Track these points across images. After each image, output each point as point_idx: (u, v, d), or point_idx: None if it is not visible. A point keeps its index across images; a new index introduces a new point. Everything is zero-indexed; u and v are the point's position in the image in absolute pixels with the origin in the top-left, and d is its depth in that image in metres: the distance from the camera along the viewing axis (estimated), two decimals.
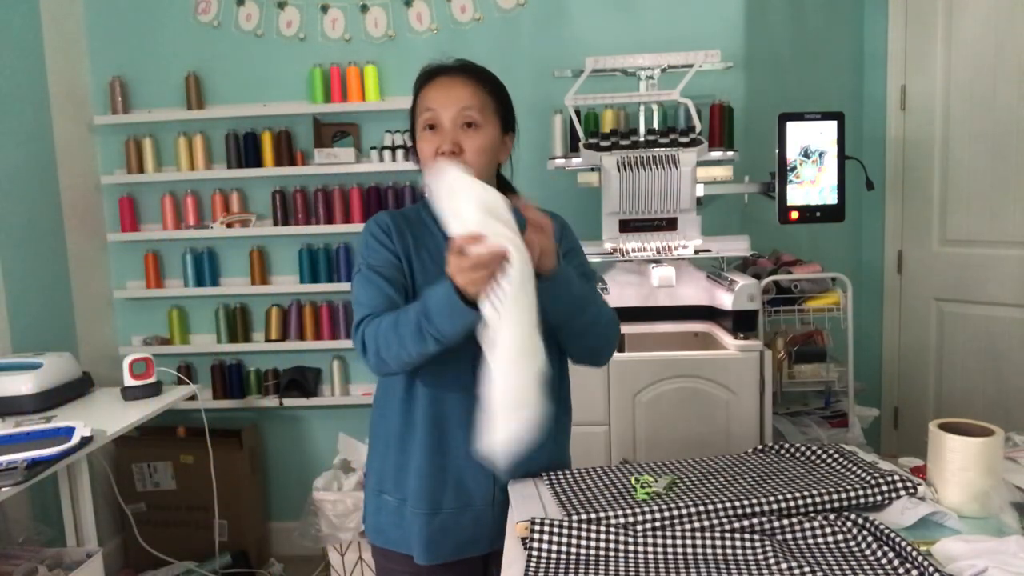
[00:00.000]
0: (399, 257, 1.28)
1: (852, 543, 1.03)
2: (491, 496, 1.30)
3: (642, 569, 1.00)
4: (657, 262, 2.28)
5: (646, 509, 1.10)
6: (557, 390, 1.38)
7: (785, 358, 2.22)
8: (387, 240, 1.29)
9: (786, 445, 1.37)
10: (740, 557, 1.01)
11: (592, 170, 2.33)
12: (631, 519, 1.09)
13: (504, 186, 1.40)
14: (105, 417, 2.02)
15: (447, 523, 1.29)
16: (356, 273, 1.30)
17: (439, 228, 1.29)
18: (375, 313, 1.22)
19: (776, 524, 1.07)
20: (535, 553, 1.04)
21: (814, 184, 2.20)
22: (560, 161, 2.42)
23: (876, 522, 1.04)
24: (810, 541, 1.05)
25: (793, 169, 2.19)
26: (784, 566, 0.96)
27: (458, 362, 1.23)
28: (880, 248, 2.76)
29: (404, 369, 1.23)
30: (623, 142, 2.24)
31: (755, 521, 1.08)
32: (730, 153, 2.43)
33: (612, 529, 1.06)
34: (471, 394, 1.28)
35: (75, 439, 1.74)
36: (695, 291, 2.36)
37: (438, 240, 1.30)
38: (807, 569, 0.95)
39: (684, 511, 1.09)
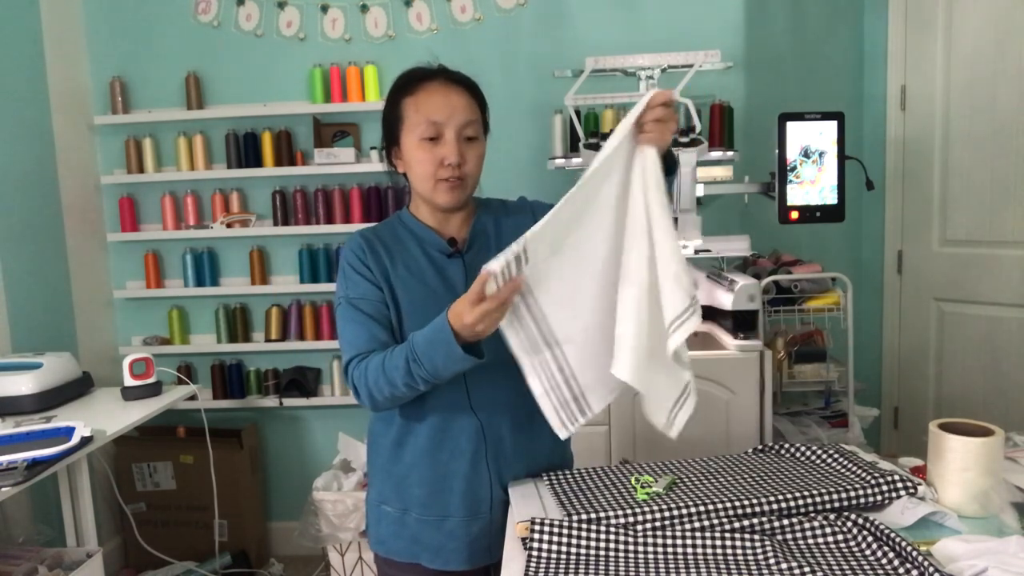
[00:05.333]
0: (378, 283, 1.26)
1: (852, 543, 1.03)
2: (489, 500, 1.30)
3: (642, 569, 1.00)
4: None
5: (646, 509, 1.10)
6: None
7: (785, 358, 2.22)
8: (363, 268, 1.27)
9: (786, 445, 1.37)
10: (740, 557, 1.01)
11: None
12: (631, 519, 1.09)
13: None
14: (105, 417, 2.02)
15: (457, 530, 1.29)
16: (338, 306, 1.29)
17: (414, 241, 1.31)
18: (361, 354, 1.23)
19: (776, 524, 1.07)
20: (535, 553, 1.04)
21: (814, 184, 2.20)
22: (560, 161, 2.42)
23: (876, 522, 1.04)
24: (810, 541, 1.05)
25: (793, 169, 2.19)
26: (784, 566, 0.96)
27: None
28: (880, 248, 2.76)
29: (400, 404, 1.25)
30: None
31: (755, 521, 1.08)
32: (730, 153, 2.43)
33: (612, 529, 1.07)
34: (471, 398, 1.28)
35: (75, 439, 1.74)
36: None
37: (414, 253, 1.30)
38: (807, 569, 0.95)
39: (684, 511, 1.10)
